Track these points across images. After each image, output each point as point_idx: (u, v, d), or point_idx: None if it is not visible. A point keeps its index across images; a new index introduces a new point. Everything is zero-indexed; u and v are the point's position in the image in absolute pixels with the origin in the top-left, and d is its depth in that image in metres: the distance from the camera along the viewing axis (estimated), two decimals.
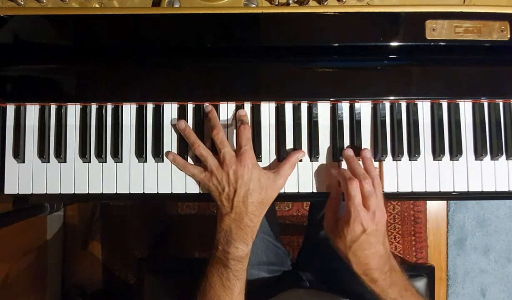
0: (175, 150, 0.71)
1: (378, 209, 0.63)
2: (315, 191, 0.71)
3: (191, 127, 0.71)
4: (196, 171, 0.68)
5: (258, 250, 0.88)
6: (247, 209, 0.64)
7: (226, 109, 0.72)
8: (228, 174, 0.63)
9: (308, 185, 0.71)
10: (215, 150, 0.68)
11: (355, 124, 0.72)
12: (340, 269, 0.89)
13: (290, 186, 0.71)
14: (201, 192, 0.71)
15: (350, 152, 0.69)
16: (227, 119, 0.72)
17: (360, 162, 0.69)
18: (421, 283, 1.00)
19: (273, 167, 0.71)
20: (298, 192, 0.71)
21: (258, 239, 0.89)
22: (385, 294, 0.64)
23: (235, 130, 0.70)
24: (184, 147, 0.71)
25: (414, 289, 0.66)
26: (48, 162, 0.71)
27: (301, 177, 0.71)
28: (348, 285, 0.86)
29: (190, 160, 0.71)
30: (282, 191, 0.70)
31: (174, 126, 0.72)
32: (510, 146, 0.72)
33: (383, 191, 0.71)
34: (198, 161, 0.70)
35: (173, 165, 0.70)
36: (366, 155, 0.69)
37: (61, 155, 0.71)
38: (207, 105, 0.70)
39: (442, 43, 0.69)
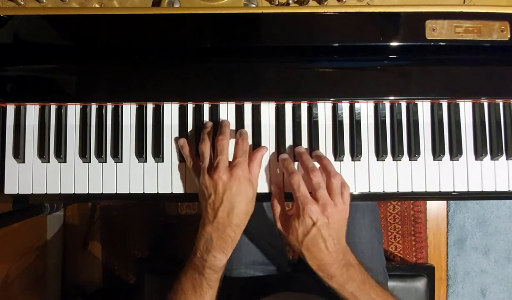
0: (175, 150, 0.71)
1: (329, 202, 0.62)
2: None
3: (191, 128, 0.71)
4: (195, 166, 0.67)
5: (253, 250, 0.89)
6: (231, 220, 0.63)
7: (226, 109, 0.72)
8: (217, 183, 0.62)
9: None
10: None
11: (355, 124, 0.72)
12: None
13: (289, 186, 0.71)
14: None
15: (300, 149, 0.70)
16: (227, 120, 0.72)
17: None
18: (421, 283, 1.00)
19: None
20: None
21: (253, 239, 0.89)
22: (343, 289, 0.63)
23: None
24: None
25: (373, 281, 0.65)
26: (48, 162, 0.71)
27: None
28: None
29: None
30: None
31: (174, 126, 0.72)
32: (510, 146, 0.72)
33: (383, 191, 0.71)
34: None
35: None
36: (316, 153, 0.69)
37: (61, 155, 0.71)
38: (224, 119, 0.70)
39: (442, 43, 0.69)
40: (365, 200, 0.89)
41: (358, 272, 0.64)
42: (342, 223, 0.64)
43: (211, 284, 0.64)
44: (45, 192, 0.71)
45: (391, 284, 0.97)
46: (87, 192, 0.71)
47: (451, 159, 0.72)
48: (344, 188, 0.65)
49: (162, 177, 0.71)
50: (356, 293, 0.63)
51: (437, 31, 0.68)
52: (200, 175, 0.65)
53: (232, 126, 0.72)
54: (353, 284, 0.63)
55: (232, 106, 0.72)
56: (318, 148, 0.71)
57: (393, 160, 0.72)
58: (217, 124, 0.71)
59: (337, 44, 0.70)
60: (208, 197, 0.63)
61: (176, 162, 0.71)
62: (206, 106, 0.72)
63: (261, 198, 0.70)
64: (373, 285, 0.65)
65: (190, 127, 0.72)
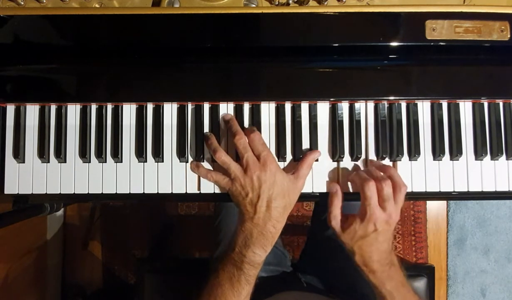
0: (174, 150, 0.71)
1: (394, 213, 0.64)
2: (315, 191, 0.71)
3: (191, 127, 0.71)
4: (219, 178, 0.67)
5: None
6: (271, 214, 0.64)
7: (226, 110, 0.72)
8: (252, 179, 0.63)
9: (308, 185, 0.71)
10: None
11: (355, 124, 0.72)
12: (340, 270, 0.89)
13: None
14: (200, 192, 0.71)
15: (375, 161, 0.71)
16: (229, 114, 0.72)
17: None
18: (421, 283, 1.00)
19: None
20: None
21: None
22: (381, 286, 0.66)
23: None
24: (182, 147, 0.71)
25: (410, 287, 0.68)
26: (48, 162, 0.71)
27: None
28: (348, 286, 0.86)
29: (190, 159, 0.71)
30: None
31: (174, 126, 0.72)
32: (510, 146, 0.72)
33: None
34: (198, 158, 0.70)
35: (192, 171, 0.70)
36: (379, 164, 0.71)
37: (61, 155, 0.71)
38: (227, 114, 0.71)
39: (442, 43, 0.69)
40: None
41: (398, 273, 0.67)
42: (395, 226, 0.66)
43: (249, 279, 0.64)
44: (45, 192, 0.71)
45: None
46: (87, 192, 0.71)
47: (451, 159, 0.72)
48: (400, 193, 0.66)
49: (162, 177, 0.71)
50: (394, 293, 0.66)
51: (437, 31, 0.68)
52: (230, 183, 0.66)
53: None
54: (392, 283, 0.66)
55: (231, 106, 0.72)
56: (317, 149, 0.71)
57: (393, 160, 0.72)
58: (216, 127, 0.71)
59: (337, 44, 0.70)
60: (246, 196, 0.64)
61: (176, 161, 0.71)
62: (206, 106, 0.72)
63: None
64: (410, 291, 0.68)
65: (190, 127, 0.72)
